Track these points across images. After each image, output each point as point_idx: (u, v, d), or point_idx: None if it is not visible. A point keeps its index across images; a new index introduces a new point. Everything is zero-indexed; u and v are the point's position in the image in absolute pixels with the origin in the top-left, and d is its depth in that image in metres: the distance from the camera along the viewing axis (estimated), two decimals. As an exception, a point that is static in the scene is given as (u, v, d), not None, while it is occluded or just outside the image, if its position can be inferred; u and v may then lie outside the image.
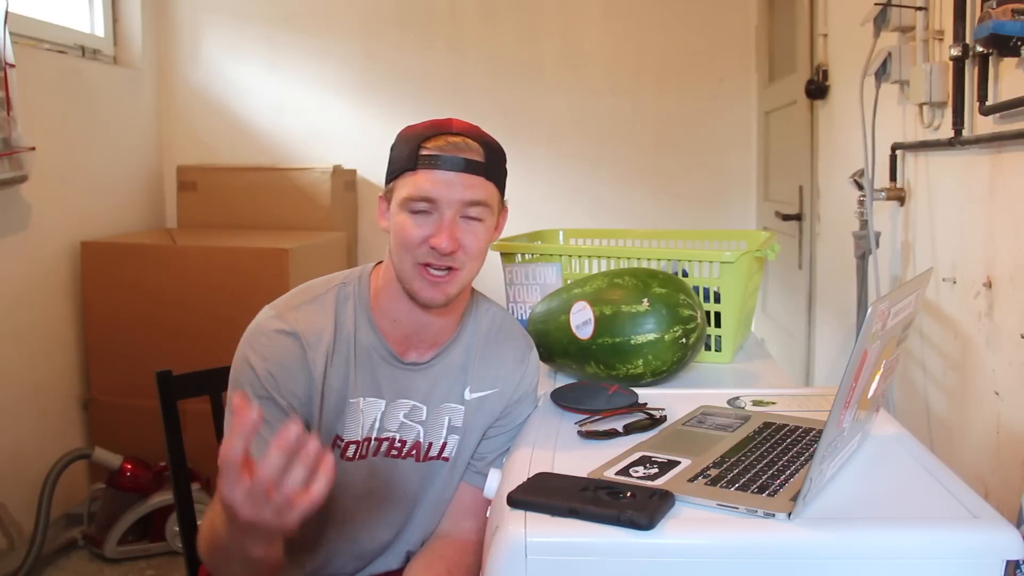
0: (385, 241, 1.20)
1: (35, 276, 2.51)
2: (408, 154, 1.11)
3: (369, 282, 1.21)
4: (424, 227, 1.10)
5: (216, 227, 3.02)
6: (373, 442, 1.21)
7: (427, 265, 1.11)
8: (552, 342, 1.50)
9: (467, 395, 1.24)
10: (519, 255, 1.80)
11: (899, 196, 1.80)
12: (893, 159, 1.81)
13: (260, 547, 0.97)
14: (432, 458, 1.24)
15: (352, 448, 1.19)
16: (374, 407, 1.19)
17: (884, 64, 1.74)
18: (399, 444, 1.22)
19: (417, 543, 1.28)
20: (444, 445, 1.24)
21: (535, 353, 1.32)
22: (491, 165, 1.13)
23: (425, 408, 1.22)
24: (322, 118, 3.32)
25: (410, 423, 1.22)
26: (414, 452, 1.23)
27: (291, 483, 0.86)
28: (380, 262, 1.24)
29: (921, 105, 1.64)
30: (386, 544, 1.27)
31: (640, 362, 1.41)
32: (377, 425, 1.20)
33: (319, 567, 1.25)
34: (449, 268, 1.12)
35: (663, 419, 1.18)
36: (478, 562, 1.10)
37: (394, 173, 1.14)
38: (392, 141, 1.18)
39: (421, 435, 1.22)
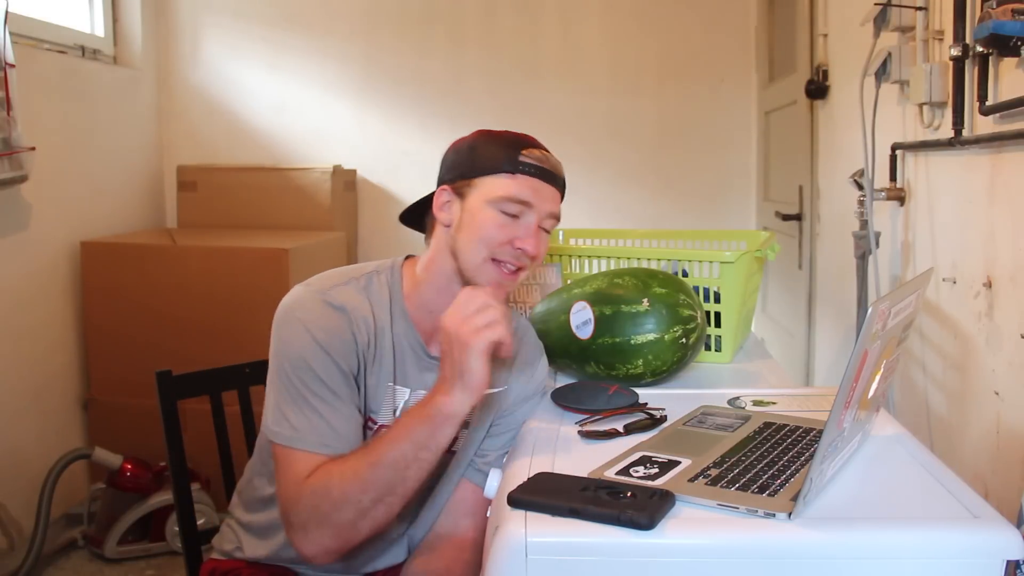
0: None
1: (35, 276, 2.51)
2: (506, 157, 1.17)
3: (401, 273, 1.24)
4: (510, 228, 1.16)
5: (216, 227, 3.01)
6: None
7: (501, 262, 1.17)
8: (552, 342, 1.50)
9: None
10: (519, 255, 1.80)
11: (899, 196, 1.80)
12: (893, 159, 1.81)
13: (454, 430, 1.09)
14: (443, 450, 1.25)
15: (383, 432, 1.21)
16: (400, 395, 1.22)
17: (884, 64, 1.74)
18: None
19: (421, 537, 1.30)
20: (455, 439, 1.25)
21: (545, 360, 1.35)
22: (565, 185, 1.25)
23: None
24: (322, 118, 3.32)
25: None
26: None
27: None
28: (409, 256, 1.27)
29: (921, 105, 1.64)
30: (395, 538, 1.29)
31: (640, 362, 1.41)
32: (398, 414, 1.22)
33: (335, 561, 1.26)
34: (516, 270, 1.19)
35: (663, 419, 1.18)
36: (477, 560, 1.10)
37: (483, 170, 1.18)
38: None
39: None
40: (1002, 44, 1.23)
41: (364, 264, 1.26)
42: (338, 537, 1.11)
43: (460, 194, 1.19)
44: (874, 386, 0.95)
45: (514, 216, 1.16)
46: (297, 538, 1.11)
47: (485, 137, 1.22)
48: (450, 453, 1.26)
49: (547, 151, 1.22)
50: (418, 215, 1.28)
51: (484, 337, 1.05)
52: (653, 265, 1.65)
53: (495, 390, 1.26)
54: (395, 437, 1.09)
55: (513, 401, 1.29)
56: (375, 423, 1.21)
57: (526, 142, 1.20)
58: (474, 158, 1.19)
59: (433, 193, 1.23)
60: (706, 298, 1.63)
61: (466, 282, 1.18)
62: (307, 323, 1.13)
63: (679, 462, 0.98)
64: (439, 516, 1.28)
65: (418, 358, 1.23)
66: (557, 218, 1.22)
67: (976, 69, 1.42)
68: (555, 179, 1.20)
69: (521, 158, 1.17)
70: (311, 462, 1.11)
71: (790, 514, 0.84)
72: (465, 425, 1.25)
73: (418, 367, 1.23)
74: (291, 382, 1.13)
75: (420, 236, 1.30)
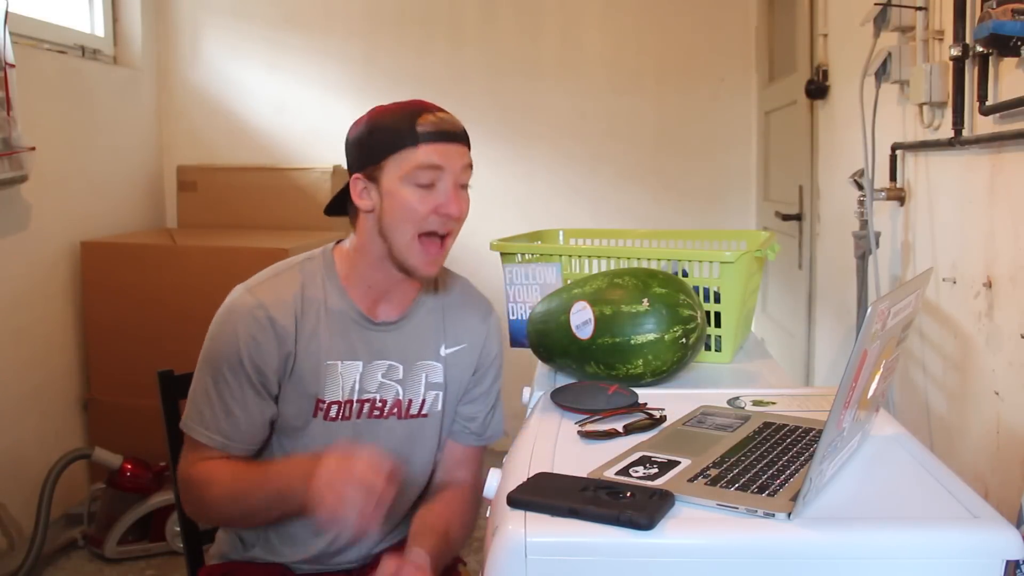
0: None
1: (35, 276, 2.51)
2: (403, 131, 1.18)
3: (333, 257, 1.29)
4: (430, 198, 1.18)
5: (216, 227, 3.01)
6: (355, 404, 1.26)
7: (428, 235, 1.20)
8: (552, 342, 1.50)
9: (443, 351, 1.32)
10: (519, 255, 1.80)
11: (899, 196, 1.80)
12: (893, 159, 1.81)
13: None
14: (413, 416, 1.30)
15: (335, 408, 1.25)
16: (352, 370, 1.25)
17: (884, 64, 1.74)
18: (380, 404, 1.28)
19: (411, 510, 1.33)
20: (424, 402, 1.31)
21: (496, 315, 1.42)
22: (468, 137, 1.26)
23: (401, 367, 1.29)
24: (322, 118, 3.32)
25: (388, 382, 1.28)
26: (396, 410, 1.29)
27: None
28: (338, 241, 1.31)
29: (921, 105, 1.64)
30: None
31: (640, 362, 1.41)
32: (357, 387, 1.26)
33: (321, 545, 1.29)
34: (444, 237, 1.21)
35: (663, 419, 1.18)
36: (477, 499, 1.14)
37: (384, 152, 1.19)
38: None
39: (400, 393, 1.29)
40: (1002, 44, 1.23)
41: (299, 255, 1.31)
42: (207, 521, 1.35)
43: (373, 179, 1.21)
44: (874, 386, 0.95)
45: (430, 185, 1.18)
46: (182, 504, 1.29)
47: (378, 116, 1.22)
48: (423, 416, 1.31)
49: (441, 111, 1.21)
50: (341, 203, 1.30)
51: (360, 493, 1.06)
52: (653, 265, 1.65)
53: (455, 348, 1.33)
54: (262, 488, 1.19)
55: (477, 360, 1.35)
56: (324, 402, 1.24)
57: (418, 109, 1.20)
58: (374, 141, 1.20)
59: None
60: (706, 298, 1.63)
61: (398, 265, 1.22)
62: (229, 332, 1.21)
63: (679, 462, 0.98)
64: (434, 475, 1.35)
65: (364, 329, 1.26)
66: (471, 167, 1.24)
67: (976, 69, 1.42)
68: (456, 136, 1.21)
69: (418, 128, 1.17)
70: (204, 451, 1.23)
71: (790, 514, 0.84)
72: (437, 388, 1.31)
73: (366, 338, 1.26)
74: (208, 378, 1.22)
75: None
